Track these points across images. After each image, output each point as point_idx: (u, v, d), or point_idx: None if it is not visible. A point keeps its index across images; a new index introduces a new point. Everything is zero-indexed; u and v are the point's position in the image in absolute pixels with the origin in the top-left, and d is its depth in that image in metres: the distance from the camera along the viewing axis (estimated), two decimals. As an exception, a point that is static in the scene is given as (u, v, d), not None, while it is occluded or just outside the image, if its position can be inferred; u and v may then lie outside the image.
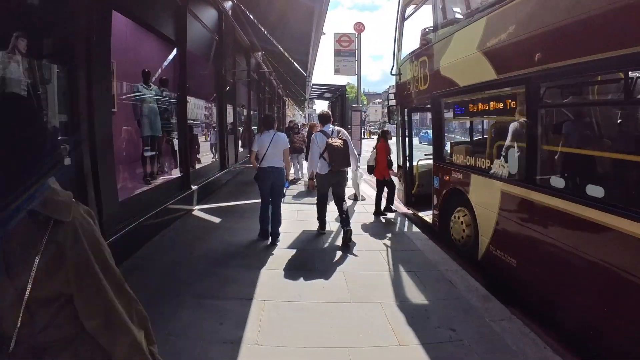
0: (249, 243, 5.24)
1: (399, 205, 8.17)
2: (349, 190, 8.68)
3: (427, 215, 6.71)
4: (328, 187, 5.51)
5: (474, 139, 5.63)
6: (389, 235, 5.87)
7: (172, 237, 5.35)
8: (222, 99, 9.86)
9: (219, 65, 9.60)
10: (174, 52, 6.95)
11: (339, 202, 5.47)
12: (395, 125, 8.04)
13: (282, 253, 4.89)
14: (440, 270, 4.50)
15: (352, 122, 8.47)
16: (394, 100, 7.83)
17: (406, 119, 7.41)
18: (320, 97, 14.06)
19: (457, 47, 5.04)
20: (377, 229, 6.19)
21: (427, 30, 6.22)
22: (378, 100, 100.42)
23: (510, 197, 4.02)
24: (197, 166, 8.59)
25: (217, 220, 6.39)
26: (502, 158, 4.27)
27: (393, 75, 7.73)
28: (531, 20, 3.62)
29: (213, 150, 10.22)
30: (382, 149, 6.88)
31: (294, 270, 4.35)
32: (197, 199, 7.33)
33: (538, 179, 3.69)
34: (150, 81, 6.19)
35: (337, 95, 10.67)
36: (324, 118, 5.68)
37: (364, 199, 8.40)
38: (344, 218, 5.32)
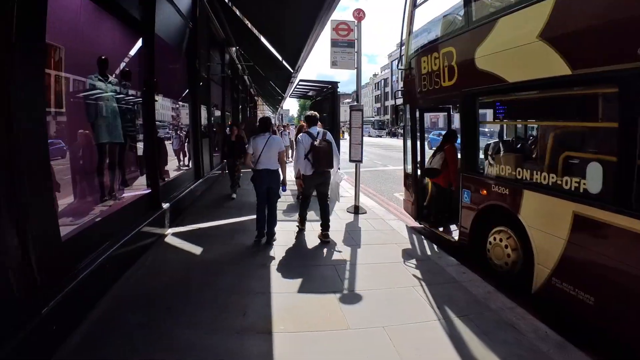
0: (243, 287, 3.99)
1: (406, 219, 7.20)
2: (347, 202, 7.82)
3: (448, 233, 5.77)
4: (313, 188, 5.61)
5: (527, 146, 4.71)
6: (413, 261, 4.84)
7: (139, 282, 3.99)
8: (195, 97, 8.49)
9: (192, 57, 8.23)
10: (140, 38, 5.56)
11: (323, 200, 5.66)
12: (402, 128, 7.05)
13: (294, 300, 3.69)
14: (494, 310, 3.59)
15: (351, 124, 7.38)
16: (401, 99, 6.82)
17: (417, 120, 6.42)
18: (304, 96, 12.88)
19: (504, 35, 4.08)
20: (395, 254, 5.13)
21: (453, 15, 5.26)
22: (347, 100, 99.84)
23: (589, 221, 3.16)
24: (168, 177, 7.19)
25: (197, 250, 5.08)
26: (576, 173, 3.37)
27: (400, 69, 6.75)
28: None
29: (181, 156, 8.79)
30: (451, 152, 5.78)
31: (317, 329, 3.17)
32: (170, 219, 5.98)
33: (635, 202, 2.83)
34: (109, 73, 4.80)
35: (327, 93, 9.59)
36: (311, 119, 5.69)
37: (365, 212, 7.35)
38: (325, 217, 5.60)
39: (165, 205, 5.84)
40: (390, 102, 75.59)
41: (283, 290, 3.90)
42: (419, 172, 6.47)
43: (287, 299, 3.69)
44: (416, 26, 6.23)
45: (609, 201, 3.03)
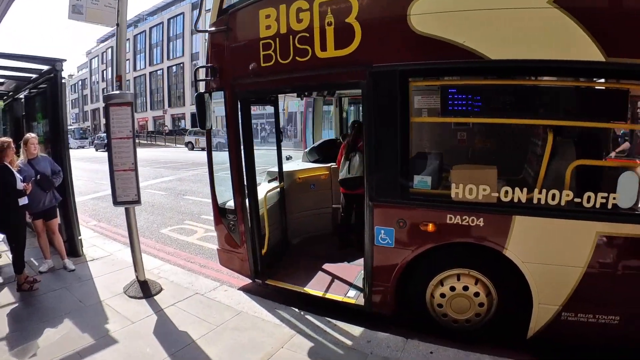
0: None
1: (226, 277, 4.55)
2: (114, 273, 4.06)
3: (331, 292, 3.77)
4: None
5: (503, 155, 3.40)
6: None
7: None
8: None
9: None
10: None
11: None
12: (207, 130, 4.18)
13: None
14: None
15: (109, 131, 3.78)
16: (208, 82, 3.95)
17: (241, 115, 3.87)
18: None
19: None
20: None
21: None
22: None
23: (615, 240, 2.69)
24: None
25: None
26: (597, 187, 2.71)
27: (201, 31, 3.91)
28: None
29: None
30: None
31: None
32: None
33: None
34: None
35: (40, 81, 4.95)
36: None
37: (161, 289, 4.00)
38: None
39: None
40: (91, 106, 61.69)
41: None
42: (247, 202, 3.96)
43: None
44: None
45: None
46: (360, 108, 6.50)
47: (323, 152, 5.57)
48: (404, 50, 2.93)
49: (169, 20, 46.14)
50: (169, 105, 47.31)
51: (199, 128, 4.74)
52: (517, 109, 3.04)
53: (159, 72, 48.34)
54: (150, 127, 48.62)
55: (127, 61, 52.89)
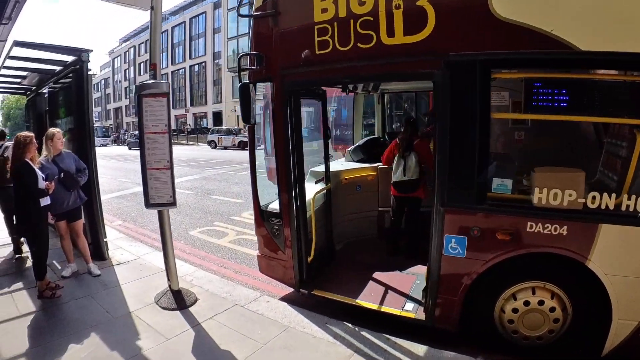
0: None
1: (263, 284, 4.28)
2: (140, 279, 3.74)
3: (386, 304, 3.42)
4: None
5: (584, 157, 3.06)
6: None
7: None
8: None
9: None
10: None
11: None
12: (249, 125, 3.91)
13: None
14: None
15: (144, 124, 3.52)
16: (252, 72, 3.67)
17: (289, 109, 3.55)
18: (17, 87, 6.76)
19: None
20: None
21: None
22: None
23: None
24: None
25: None
26: None
27: (245, 16, 3.65)
28: None
29: None
30: (426, 150, 4.22)
31: None
32: None
33: None
34: None
35: (64, 74, 4.80)
36: None
37: (196, 299, 3.72)
38: None
39: None
40: (114, 105, 63.32)
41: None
42: (294, 204, 3.64)
43: None
44: None
45: None
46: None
47: (367, 151, 5.23)
48: (485, 38, 2.58)
49: (190, 19, 46.63)
50: (191, 104, 47.79)
51: (243, 122, 4.41)
52: (607, 106, 2.71)
53: (181, 71, 48.89)
54: (173, 126, 49.22)
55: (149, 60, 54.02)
